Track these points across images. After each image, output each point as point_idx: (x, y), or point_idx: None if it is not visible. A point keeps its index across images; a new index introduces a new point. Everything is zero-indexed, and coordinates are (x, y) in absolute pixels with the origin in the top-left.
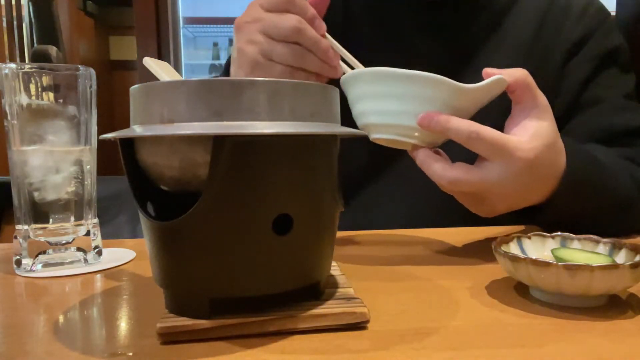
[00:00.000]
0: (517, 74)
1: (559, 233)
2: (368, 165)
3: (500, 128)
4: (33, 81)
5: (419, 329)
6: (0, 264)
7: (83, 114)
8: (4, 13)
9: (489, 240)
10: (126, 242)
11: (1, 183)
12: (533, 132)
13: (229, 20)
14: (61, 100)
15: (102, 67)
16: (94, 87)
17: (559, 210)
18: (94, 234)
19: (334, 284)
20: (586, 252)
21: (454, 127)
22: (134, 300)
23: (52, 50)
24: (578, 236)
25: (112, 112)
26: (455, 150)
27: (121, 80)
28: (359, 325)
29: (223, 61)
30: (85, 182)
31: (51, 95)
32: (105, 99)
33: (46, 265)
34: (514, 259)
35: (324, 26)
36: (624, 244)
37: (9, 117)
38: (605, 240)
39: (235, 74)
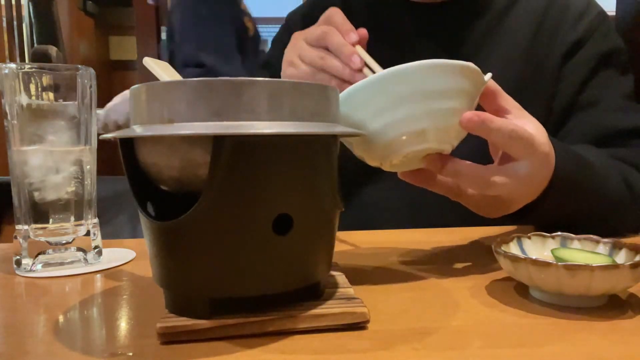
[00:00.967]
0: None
1: (559, 233)
2: (368, 165)
3: (482, 141)
4: (33, 81)
5: (419, 329)
6: (0, 264)
7: (83, 114)
8: (4, 13)
9: (489, 240)
10: (126, 242)
11: (1, 183)
12: (535, 125)
13: None
14: (61, 100)
15: (102, 67)
16: (94, 87)
17: (548, 211)
18: (94, 234)
19: (334, 284)
20: (586, 252)
21: (496, 126)
22: (134, 300)
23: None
24: (578, 236)
25: None
26: (454, 153)
27: (121, 80)
28: (359, 325)
29: None
30: (85, 182)
31: (51, 95)
32: (105, 99)
33: (46, 265)
34: (514, 259)
35: (355, 37)
36: (624, 244)
37: (9, 117)
38: (605, 240)
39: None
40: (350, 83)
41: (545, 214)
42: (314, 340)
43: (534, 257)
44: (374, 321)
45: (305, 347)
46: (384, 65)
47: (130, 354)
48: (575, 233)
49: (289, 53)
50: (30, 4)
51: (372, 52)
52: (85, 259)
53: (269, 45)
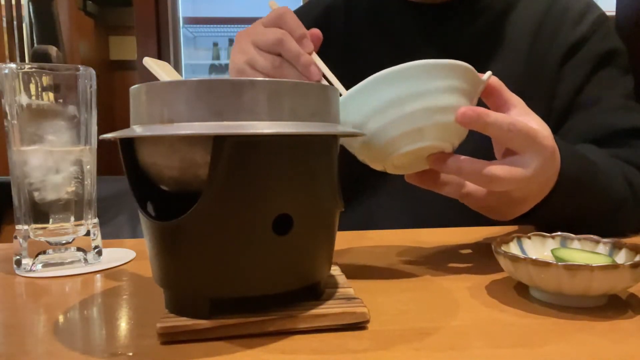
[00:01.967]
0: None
1: (559, 233)
2: (368, 165)
3: (486, 140)
4: (33, 81)
5: (419, 329)
6: (0, 264)
7: (83, 114)
8: (4, 13)
9: (489, 240)
10: (126, 242)
11: (1, 183)
12: (539, 122)
13: (229, 20)
14: (61, 100)
15: (102, 67)
16: (94, 87)
17: (552, 210)
18: (94, 234)
19: (334, 284)
20: (586, 252)
21: (492, 120)
22: (134, 300)
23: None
24: (578, 236)
25: (112, 112)
26: (457, 152)
27: (121, 80)
28: (359, 325)
29: (223, 61)
30: (85, 182)
31: (51, 95)
32: (105, 99)
33: (46, 265)
34: (514, 259)
35: (311, 46)
36: (624, 244)
37: (9, 117)
38: (605, 240)
39: None
40: None
41: (549, 214)
42: (314, 340)
43: (534, 257)
44: (374, 321)
45: (305, 347)
46: (384, 65)
47: (130, 354)
48: (577, 233)
49: (237, 58)
50: (30, 4)
51: (373, 53)
52: (85, 259)
53: None
